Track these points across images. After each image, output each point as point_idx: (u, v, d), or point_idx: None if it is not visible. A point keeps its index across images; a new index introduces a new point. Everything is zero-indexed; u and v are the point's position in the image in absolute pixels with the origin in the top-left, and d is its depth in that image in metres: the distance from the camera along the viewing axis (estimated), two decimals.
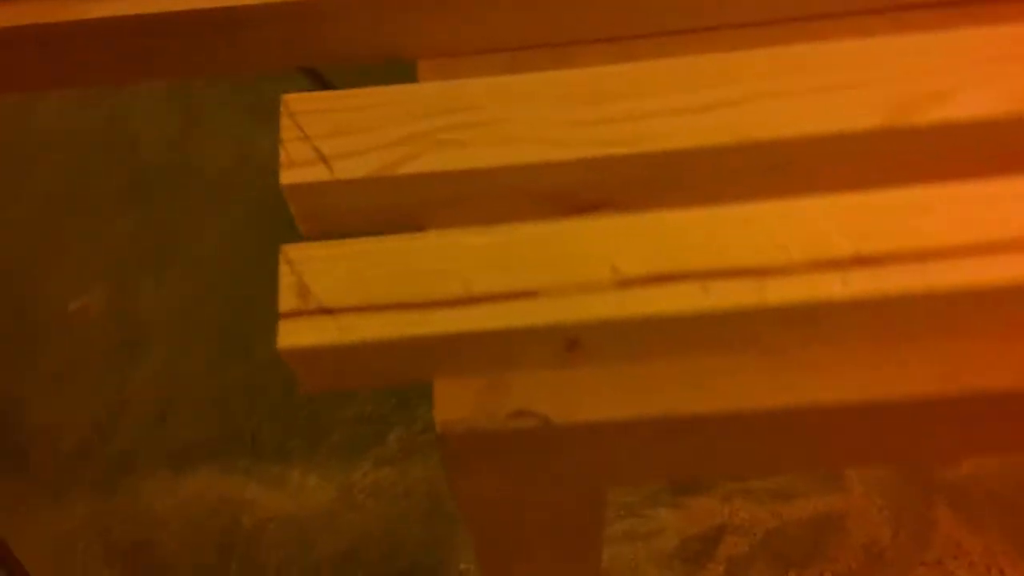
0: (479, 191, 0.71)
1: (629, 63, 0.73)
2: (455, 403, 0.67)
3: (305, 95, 0.72)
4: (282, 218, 0.69)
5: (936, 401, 0.67)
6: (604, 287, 0.65)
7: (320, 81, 1.99)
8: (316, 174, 0.69)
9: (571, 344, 0.66)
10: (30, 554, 1.79)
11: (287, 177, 0.69)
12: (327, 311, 0.64)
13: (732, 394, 0.67)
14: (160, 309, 2.08)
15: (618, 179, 0.72)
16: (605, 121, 0.70)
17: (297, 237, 0.69)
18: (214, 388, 1.93)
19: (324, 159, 0.70)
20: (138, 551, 1.86)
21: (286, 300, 0.65)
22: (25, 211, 2.07)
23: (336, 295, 0.65)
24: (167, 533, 1.82)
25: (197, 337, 2.00)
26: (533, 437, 0.67)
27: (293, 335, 0.64)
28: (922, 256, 0.65)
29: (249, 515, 1.89)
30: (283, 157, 0.70)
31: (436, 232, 0.68)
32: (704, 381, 0.68)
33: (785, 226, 0.67)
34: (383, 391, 1.84)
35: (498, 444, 0.68)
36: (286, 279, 0.66)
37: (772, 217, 0.67)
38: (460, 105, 0.72)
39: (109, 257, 2.08)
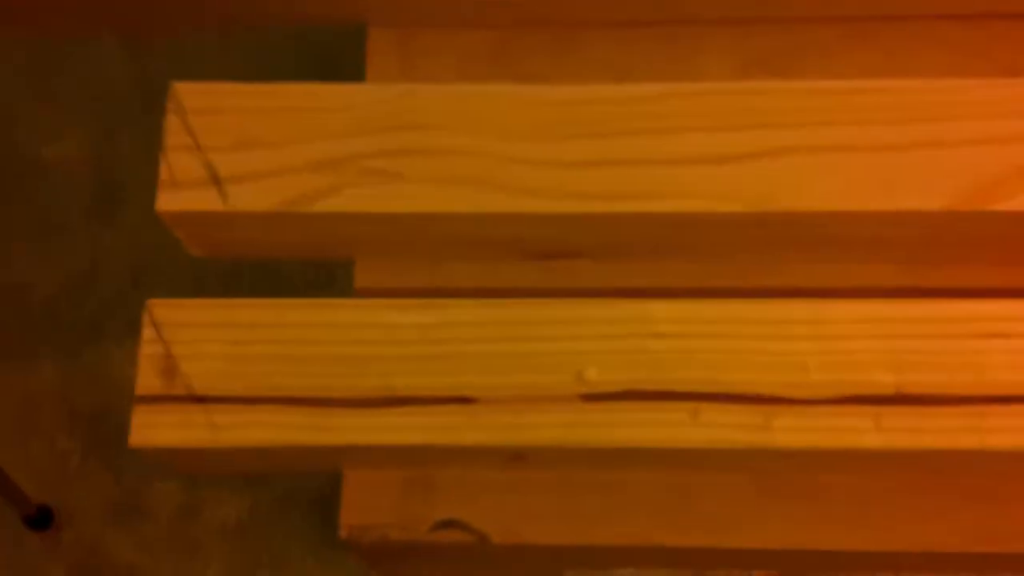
0: (414, 237, 0.56)
1: (629, 84, 0.55)
2: (367, 504, 0.54)
3: (202, 86, 0.55)
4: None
5: (959, 556, 0.53)
6: (564, 399, 0.50)
7: None
8: (204, 201, 0.53)
9: (515, 456, 0.52)
10: None
11: (166, 201, 0.53)
12: (198, 399, 0.50)
13: (716, 525, 0.53)
14: (140, 165, 1.93)
15: (595, 237, 0.56)
16: (590, 162, 0.54)
17: None
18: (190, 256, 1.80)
19: (217, 180, 0.54)
20: (102, 419, 1.78)
21: (146, 379, 0.50)
22: (5, 50, 1.89)
23: (211, 378, 0.50)
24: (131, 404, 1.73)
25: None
26: (464, 551, 0.54)
27: (149, 431, 0.50)
28: (982, 400, 0.49)
29: None
30: (164, 172, 0.54)
31: (352, 303, 0.52)
32: (682, 505, 0.54)
33: (807, 334, 0.51)
34: None
35: (420, 554, 0.55)
36: (149, 348, 0.51)
37: (791, 319, 0.52)
38: (403, 120, 0.55)
39: (93, 102, 1.91)
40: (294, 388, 0.50)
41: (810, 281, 0.59)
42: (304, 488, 1.47)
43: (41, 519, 1.61)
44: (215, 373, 0.50)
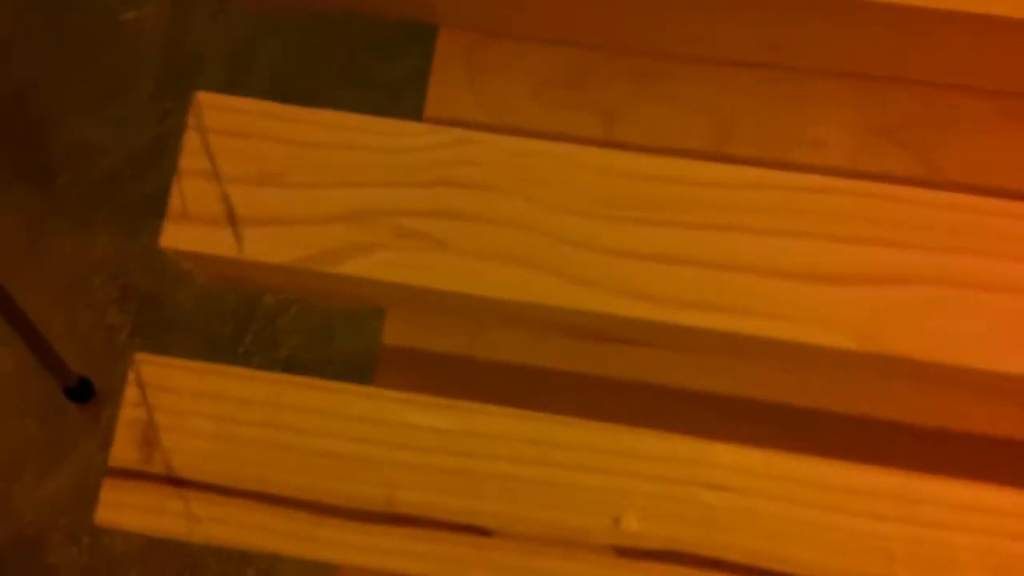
0: (451, 306, 0.47)
1: (727, 166, 0.45)
2: None
3: (228, 100, 0.47)
4: None
5: None
6: (595, 548, 0.43)
7: None
8: (216, 243, 0.45)
9: None
10: (42, 282, 1.70)
11: (173, 237, 0.46)
12: (176, 482, 0.44)
13: None
14: (214, 40, 1.85)
15: (660, 337, 0.47)
16: (665, 257, 0.44)
17: None
18: None
19: (233, 220, 0.46)
20: (155, 301, 1.76)
21: (122, 449, 0.44)
22: None
23: (193, 458, 0.44)
24: (185, 293, 1.70)
25: (253, 77, 1.78)
26: None
27: (118, 511, 0.44)
28: None
29: (272, 294, 1.75)
30: (175, 200, 0.46)
31: (363, 392, 0.45)
32: None
33: (897, 514, 0.42)
34: None
35: None
36: (130, 412, 0.44)
37: (880, 491, 0.43)
38: (454, 175, 0.46)
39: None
40: (283, 485, 0.43)
41: (916, 416, 0.50)
42: None
43: (82, 392, 1.60)
44: (198, 452, 0.43)
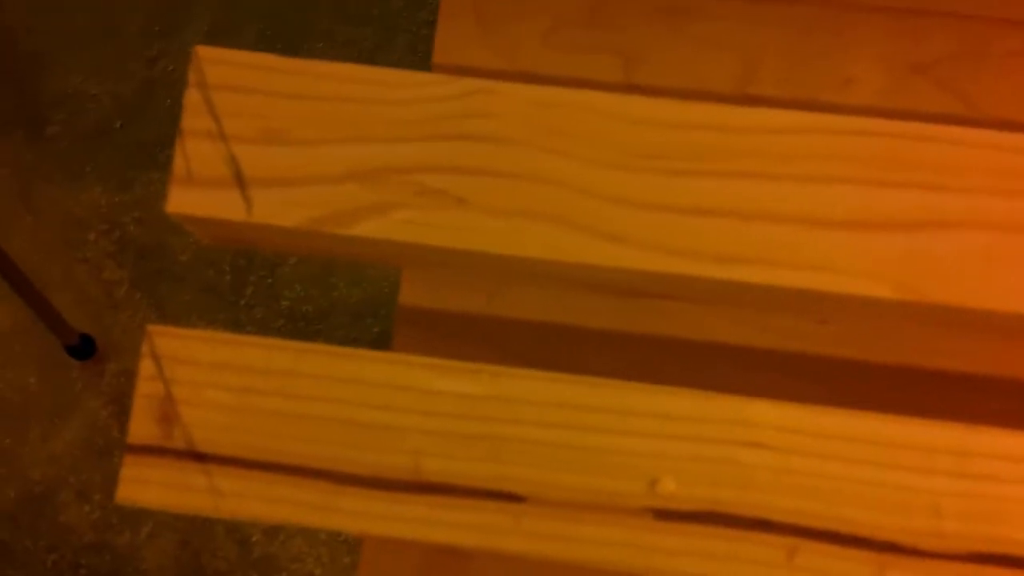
0: (471, 265, 0.46)
1: (760, 110, 0.43)
2: (381, 565, 0.46)
3: (229, 54, 0.45)
4: None
5: None
6: (632, 512, 0.41)
7: None
8: (224, 207, 0.43)
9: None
10: (36, 238, 1.67)
11: (179, 202, 0.43)
12: (198, 456, 0.42)
13: None
14: None
15: (691, 291, 0.45)
16: (697, 210, 0.43)
17: None
18: None
19: (241, 181, 0.43)
20: (151, 252, 1.73)
21: (140, 425, 0.42)
22: None
23: (215, 432, 0.42)
24: (181, 242, 1.68)
25: (242, 15, 1.74)
26: None
27: (140, 487, 0.42)
28: None
29: None
30: (178, 163, 0.44)
31: (385, 357, 0.43)
32: None
33: (946, 468, 0.41)
34: None
35: None
36: (146, 386, 0.43)
37: (929, 445, 0.42)
38: (472, 128, 0.44)
39: None
40: (306, 456, 0.42)
41: (960, 364, 0.48)
42: None
43: (84, 348, 1.59)
44: (218, 425, 0.42)
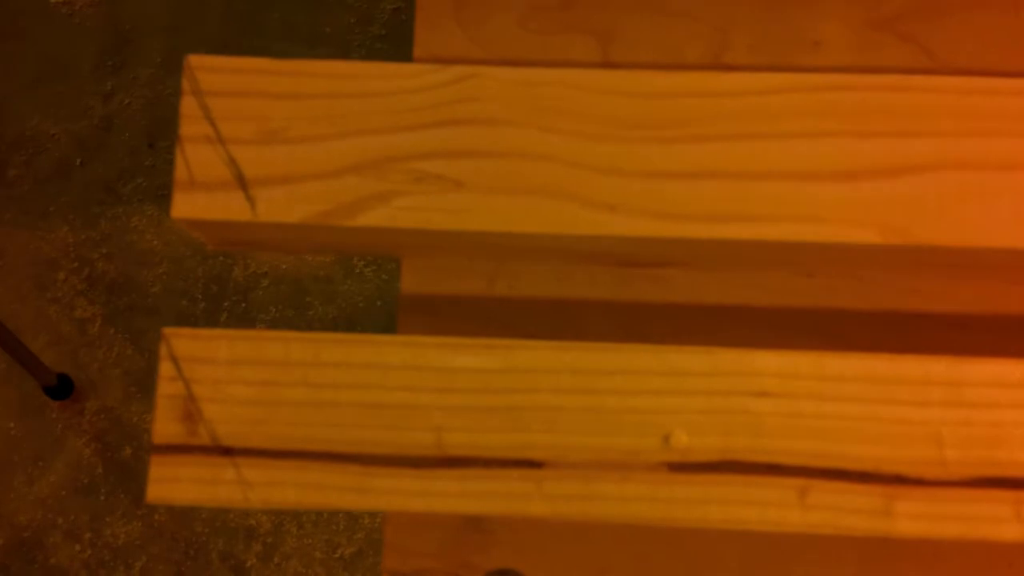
0: (473, 247, 0.47)
1: (739, 74, 0.45)
2: (412, 547, 0.47)
3: (221, 60, 0.46)
4: None
5: None
6: (648, 467, 0.43)
7: None
8: (229, 208, 0.45)
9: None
10: (8, 280, 1.66)
11: (184, 207, 0.45)
12: (224, 451, 0.43)
13: None
14: (151, 14, 1.81)
15: (688, 254, 0.47)
16: (686, 174, 0.44)
17: None
18: None
19: (243, 182, 0.45)
20: (122, 287, 1.73)
21: (165, 424, 0.43)
22: None
23: (238, 426, 0.43)
24: (151, 275, 1.68)
25: (196, 45, 1.74)
26: None
27: (171, 486, 0.43)
28: None
29: (241, 267, 1.73)
30: (180, 168, 0.45)
31: (400, 341, 0.44)
32: (769, 564, 0.47)
33: (942, 399, 0.43)
34: None
35: None
36: (167, 387, 0.44)
37: (925, 379, 0.44)
38: (463, 112, 0.45)
39: None
40: (331, 441, 0.43)
41: (947, 305, 0.51)
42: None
43: (62, 388, 1.58)
44: (242, 419, 0.43)
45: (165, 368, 0.44)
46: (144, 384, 1.63)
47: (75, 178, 1.73)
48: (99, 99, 1.73)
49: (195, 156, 0.45)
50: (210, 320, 1.65)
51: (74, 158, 1.72)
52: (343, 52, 1.65)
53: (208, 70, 0.45)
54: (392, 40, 1.66)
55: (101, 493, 1.56)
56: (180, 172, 0.45)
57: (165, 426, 0.43)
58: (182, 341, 0.44)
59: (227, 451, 0.43)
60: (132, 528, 1.55)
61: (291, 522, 1.53)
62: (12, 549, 1.57)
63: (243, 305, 1.66)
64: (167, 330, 0.44)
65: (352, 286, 1.64)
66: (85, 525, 1.57)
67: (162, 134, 1.71)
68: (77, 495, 1.59)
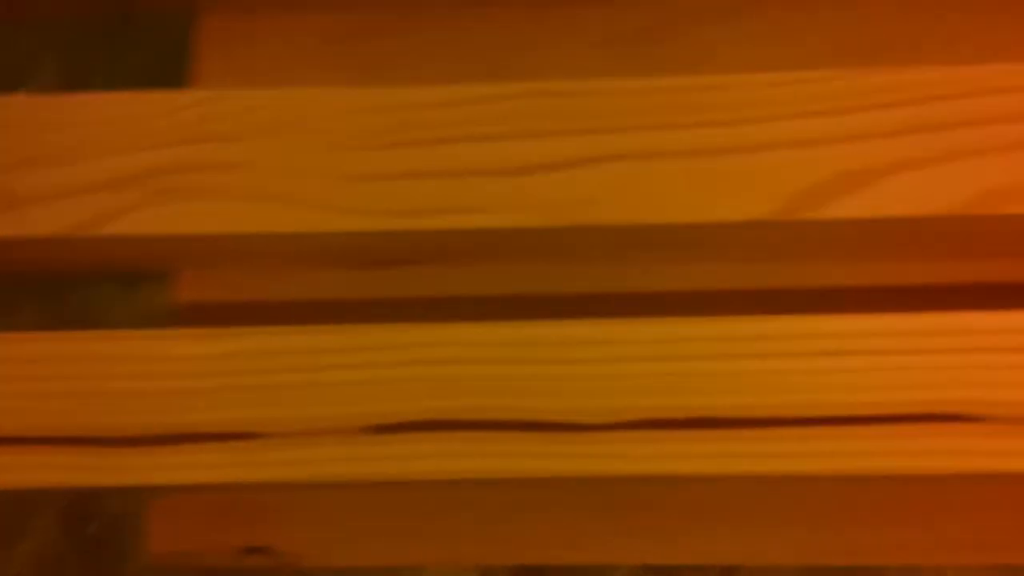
0: (227, 254, 0.53)
1: (457, 86, 0.52)
2: (174, 531, 0.53)
3: None
4: None
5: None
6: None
7: None
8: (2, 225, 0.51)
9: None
10: None
11: None
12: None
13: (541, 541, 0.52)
14: None
15: (415, 250, 0.53)
16: (396, 175, 0.51)
17: None
18: None
19: (14, 200, 0.52)
20: None
21: None
22: None
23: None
24: None
25: None
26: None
27: None
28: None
29: None
30: None
31: (139, 335, 0.50)
32: (509, 522, 0.53)
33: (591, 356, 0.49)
34: None
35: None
36: None
37: (588, 339, 0.49)
38: (205, 131, 0.52)
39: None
40: (71, 427, 0.49)
41: (651, 284, 0.57)
42: None
43: None
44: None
45: None
46: None
47: None
48: None
49: None
50: None
51: None
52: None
53: None
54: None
55: None
56: None
57: None
58: None
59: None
60: None
61: None
62: None
63: None
64: None
65: None
66: None
67: None
68: None
